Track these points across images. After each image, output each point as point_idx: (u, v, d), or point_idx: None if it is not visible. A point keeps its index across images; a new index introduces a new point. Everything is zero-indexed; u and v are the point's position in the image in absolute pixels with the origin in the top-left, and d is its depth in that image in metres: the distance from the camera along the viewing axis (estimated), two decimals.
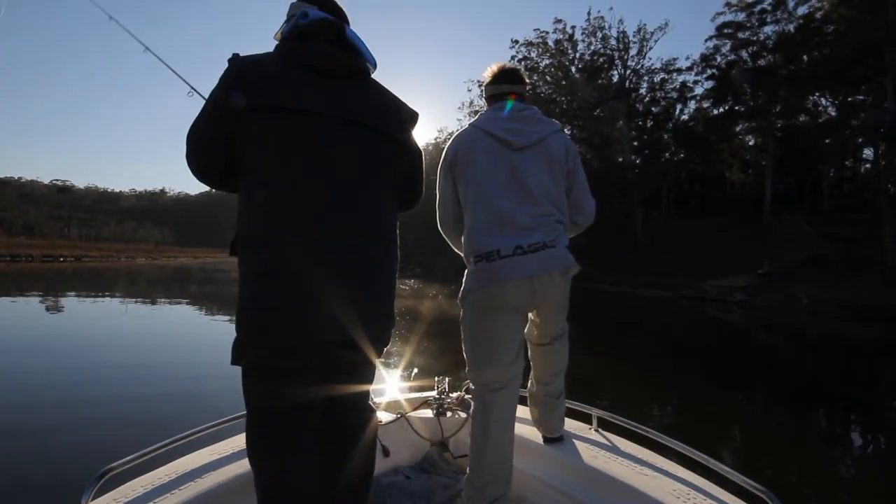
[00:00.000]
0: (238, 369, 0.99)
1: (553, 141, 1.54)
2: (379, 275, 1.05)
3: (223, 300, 13.88)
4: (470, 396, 1.61)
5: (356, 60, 1.08)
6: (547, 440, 1.65)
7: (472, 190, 1.49)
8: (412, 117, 1.18)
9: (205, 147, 1.02)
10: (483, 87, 1.71)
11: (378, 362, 1.10)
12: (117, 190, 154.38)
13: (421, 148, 1.25)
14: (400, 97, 1.18)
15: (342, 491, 1.09)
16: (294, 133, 0.97)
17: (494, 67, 1.65)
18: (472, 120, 1.65)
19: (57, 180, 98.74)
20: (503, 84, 1.62)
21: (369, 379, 1.13)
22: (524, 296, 1.43)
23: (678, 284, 19.89)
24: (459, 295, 1.52)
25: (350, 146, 1.02)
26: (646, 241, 28.76)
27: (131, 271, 30.90)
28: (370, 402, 1.17)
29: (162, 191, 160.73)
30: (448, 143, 1.61)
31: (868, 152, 27.15)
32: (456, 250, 1.65)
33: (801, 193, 29.14)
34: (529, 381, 1.68)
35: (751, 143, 30.23)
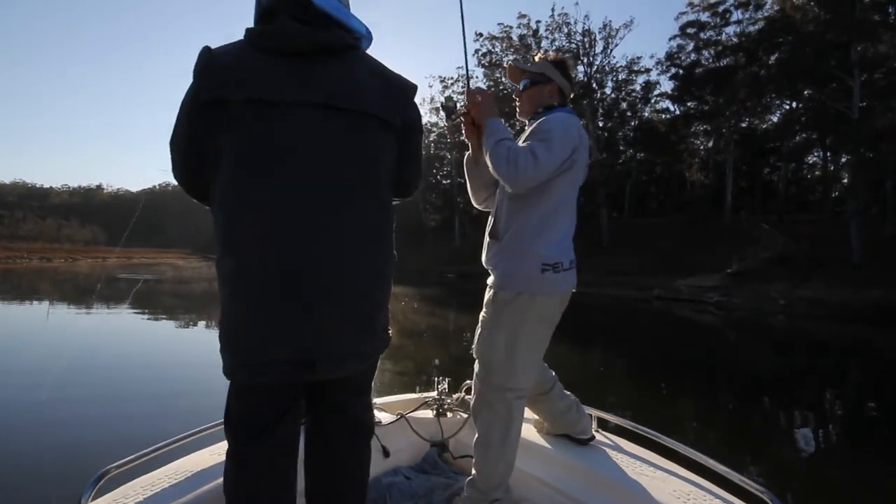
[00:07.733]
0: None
1: None
2: (369, 275, 0.97)
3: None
4: (471, 397, 1.57)
5: (327, 34, 0.95)
6: (578, 441, 1.62)
7: (572, 193, 1.46)
8: (404, 91, 1.04)
9: (183, 151, 0.96)
10: (562, 70, 1.55)
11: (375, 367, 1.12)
12: (47, 185, 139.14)
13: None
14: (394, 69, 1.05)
15: (338, 490, 1.09)
16: (263, 127, 0.88)
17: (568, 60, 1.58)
18: (569, 108, 1.55)
19: None
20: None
21: (369, 381, 1.13)
22: (563, 306, 1.50)
23: (649, 284, 19.24)
24: (501, 296, 1.44)
25: (329, 134, 0.92)
26: (611, 240, 28.36)
27: (30, 275, 27.12)
28: (369, 401, 1.16)
29: (98, 187, 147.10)
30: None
31: (818, 155, 28.01)
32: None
33: (753, 193, 29.69)
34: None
35: (710, 144, 30.54)
